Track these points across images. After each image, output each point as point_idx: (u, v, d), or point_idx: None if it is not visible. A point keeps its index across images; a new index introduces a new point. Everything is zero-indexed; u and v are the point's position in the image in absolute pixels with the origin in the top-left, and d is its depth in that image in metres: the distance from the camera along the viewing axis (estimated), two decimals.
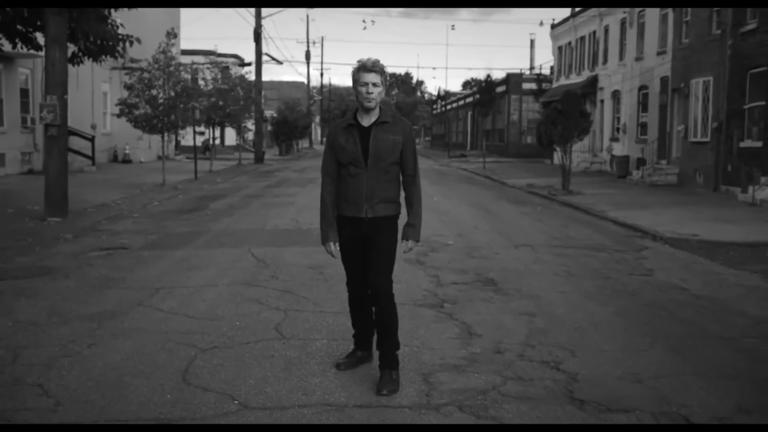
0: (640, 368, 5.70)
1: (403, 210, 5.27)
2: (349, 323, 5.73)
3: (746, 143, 21.89)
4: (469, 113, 66.68)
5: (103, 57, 17.31)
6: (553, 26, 43.84)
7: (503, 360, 5.86)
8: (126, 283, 8.64)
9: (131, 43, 16.50)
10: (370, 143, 5.02)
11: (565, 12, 44.10)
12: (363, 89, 5.01)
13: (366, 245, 5.14)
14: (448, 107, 79.23)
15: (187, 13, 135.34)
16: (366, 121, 5.10)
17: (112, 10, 16.69)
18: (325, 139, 5.38)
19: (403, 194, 5.24)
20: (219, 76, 34.06)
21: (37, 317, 7.04)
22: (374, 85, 5.00)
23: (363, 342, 5.61)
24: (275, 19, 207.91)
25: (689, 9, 25.96)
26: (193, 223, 14.51)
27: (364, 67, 5.02)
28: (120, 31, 17.06)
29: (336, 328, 6.66)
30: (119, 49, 17.04)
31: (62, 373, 5.41)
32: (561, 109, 23.49)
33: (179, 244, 11.70)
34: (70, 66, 16.89)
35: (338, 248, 5.25)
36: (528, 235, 13.36)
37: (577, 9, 39.78)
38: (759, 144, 21.06)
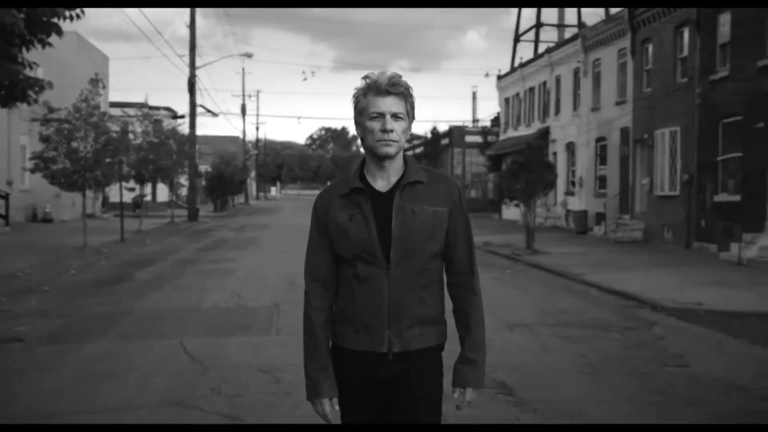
0: None
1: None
2: None
3: (721, 197, 20.50)
4: None
5: (11, 105, 14.91)
6: (499, 77, 42.77)
7: None
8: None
9: (42, 88, 14.12)
10: (394, 221, 2.85)
11: (508, 63, 43.15)
12: (376, 125, 2.86)
13: (388, 400, 2.94)
14: None
15: (116, 64, 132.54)
16: (382, 181, 2.94)
17: (25, 50, 14.31)
18: (311, 214, 3.11)
19: (447, 305, 3.08)
20: (150, 129, 31.64)
21: None
22: (395, 117, 2.87)
23: None
24: (209, 69, 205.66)
25: (650, 57, 24.82)
26: (113, 299, 12.05)
27: (376, 88, 2.87)
28: (38, 74, 14.74)
29: None
30: (30, 94, 14.67)
31: None
32: (523, 162, 21.84)
33: (91, 333, 9.24)
34: None
35: (337, 406, 3.01)
36: (515, 310, 11.33)
37: (525, 60, 38.78)
38: (737, 198, 19.65)
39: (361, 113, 2.91)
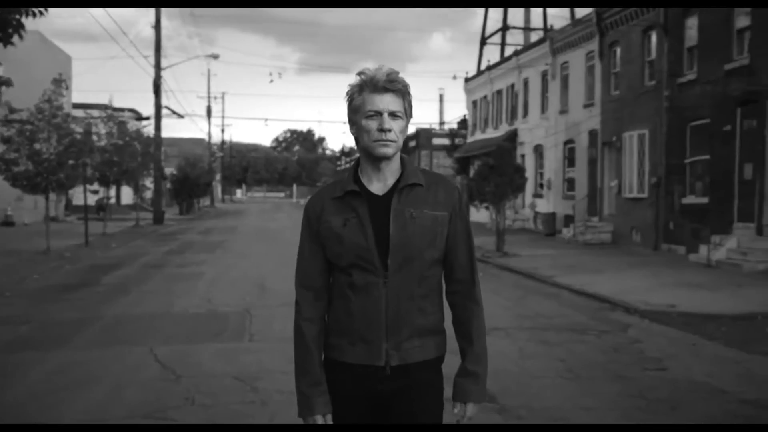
0: None
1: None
2: None
3: (689, 199, 20.64)
4: None
5: None
6: (467, 80, 42.78)
7: None
8: None
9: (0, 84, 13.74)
10: (392, 227, 2.68)
11: (474, 65, 43.24)
12: (373, 124, 2.69)
13: (386, 416, 2.77)
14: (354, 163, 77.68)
15: (79, 64, 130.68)
16: (379, 184, 2.77)
17: None
18: (302, 219, 2.92)
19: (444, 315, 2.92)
20: (114, 130, 31.05)
21: None
22: (393, 116, 2.70)
23: None
24: (174, 71, 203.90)
25: (617, 60, 24.96)
26: (80, 305, 11.72)
27: (372, 84, 2.69)
28: None
29: None
30: None
31: None
32: (493, 165, 21.81)
33: (57, 340, 8.94)
34: None
35: (331, 423, 2.81)
36: (490, 313, 11.03)
37: (493, 62, 38.82)
38: (704, 200, 19.79)
39: (356, 111, 2.74)
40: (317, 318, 2.81)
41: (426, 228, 2.71)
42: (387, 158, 2.72)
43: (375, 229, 2.69)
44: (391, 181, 2.77)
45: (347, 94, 2.77)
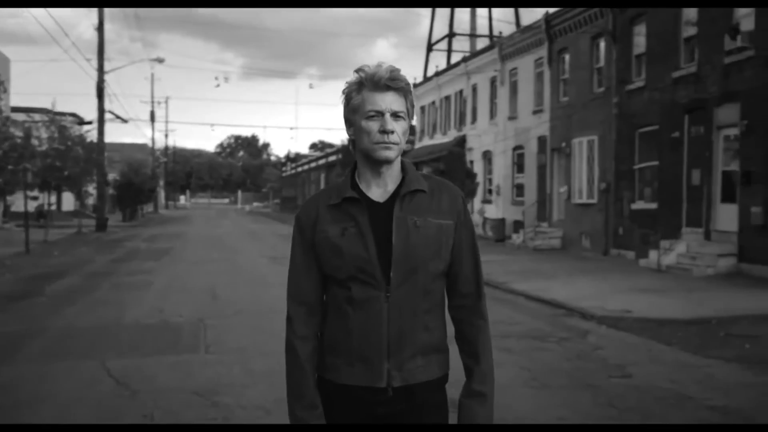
0: None
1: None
2: None
3: (638, 205, 20.90)
4: (322, 175, 64.74)
5: None
6: (415, 86, 42.78)
7: None
8: None
9: None
10: (395, 236, 2.47)
11: (419, 71, 43.36)
12: (373, 125, 2.47)
13: None
14: (299, 169, 77.54)
15: (18, 66, 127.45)
16: (378, 190, 2.55)
17: None
18: (292, 229, 2.70)
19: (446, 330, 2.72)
20: (56, 135, 30.21)
21: None
22: (396, 116, 2.48)
23: None
24: (117, 74, 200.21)
25: (566, 67, 25.19)
26: (23, 316, 11.23)
27: (373, 82, 2.47)
28: None
29: None
30: None
31: None
32: (444, 170, 21.81)
33: (2, 355, 8.48)
34: None
35: None
36: (447, 320, 11.06)
37: (441, 68, 38.92)
38: (653, 206, 20.05)
39: (354, 111, 2.51)
40: (311, 336, 2.59)
41: (431, 238, 2.52)
42: (388, 162, 2.51)
43: (376, 239, 2.48)
44: (391, 187, 2.56)
45: (344, 92, 2.56)
